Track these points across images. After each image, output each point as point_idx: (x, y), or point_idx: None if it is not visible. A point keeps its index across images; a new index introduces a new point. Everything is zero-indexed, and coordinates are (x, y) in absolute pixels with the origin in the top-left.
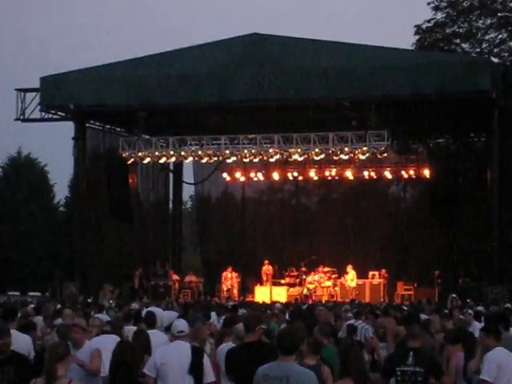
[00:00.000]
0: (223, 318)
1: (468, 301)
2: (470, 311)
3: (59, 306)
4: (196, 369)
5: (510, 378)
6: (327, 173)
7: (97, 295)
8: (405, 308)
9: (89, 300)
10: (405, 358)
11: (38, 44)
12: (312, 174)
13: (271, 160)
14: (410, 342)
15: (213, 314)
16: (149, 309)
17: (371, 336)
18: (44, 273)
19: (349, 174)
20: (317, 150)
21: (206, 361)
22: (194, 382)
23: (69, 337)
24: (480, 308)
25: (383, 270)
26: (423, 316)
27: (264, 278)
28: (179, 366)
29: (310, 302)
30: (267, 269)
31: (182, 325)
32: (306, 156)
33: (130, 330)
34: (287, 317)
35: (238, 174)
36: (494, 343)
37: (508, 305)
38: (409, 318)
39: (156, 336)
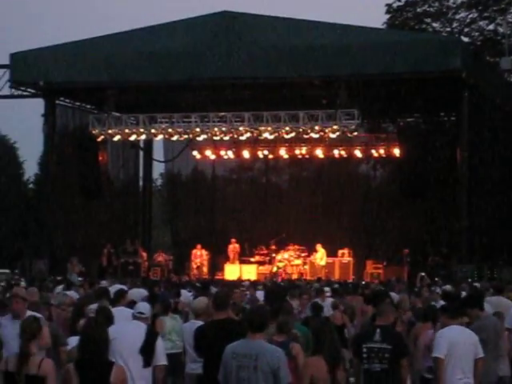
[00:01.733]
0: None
1: (436, 279)
2: (437, 290)
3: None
4: (147, 349)
5: (461, 355)
6: (297, 151)
7: (65, 272)
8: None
9: (58, 278)
10: (372, 335)
11: (8, 20)
12: (282, 152)
13: (241, 138)
14: (377, 319)
15: (184, 292)
16: (114, 286)
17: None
18: (13, 250)
19: (319, 153)
20: (287, 128)
21: (160, 344)
22: (143, 362)
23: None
24: (448, 287)
25: (345, 249)
26: (394, 295)
27: (231, 256)
28: (130, 344)
29: (280, 280)
30: (234, 247)
31: (143, 307)
32: (276, 134)
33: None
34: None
35: (208, 152)
36: (450, 321)
37: (477, 284)
38: (377, 298)
39: (121, 313)
